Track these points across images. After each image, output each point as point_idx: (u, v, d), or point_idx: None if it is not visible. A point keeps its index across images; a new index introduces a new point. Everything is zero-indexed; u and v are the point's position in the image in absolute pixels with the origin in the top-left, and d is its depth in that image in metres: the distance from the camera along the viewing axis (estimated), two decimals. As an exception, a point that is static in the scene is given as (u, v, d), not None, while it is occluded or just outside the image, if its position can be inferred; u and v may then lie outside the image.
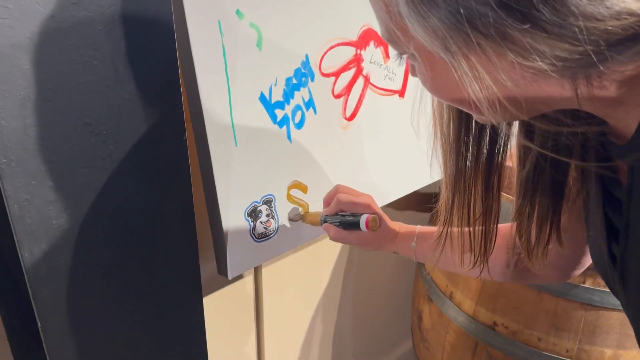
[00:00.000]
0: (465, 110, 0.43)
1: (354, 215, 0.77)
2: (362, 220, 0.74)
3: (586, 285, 0.99)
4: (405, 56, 0.43)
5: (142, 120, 0.61)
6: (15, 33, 0.49)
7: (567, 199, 0.55)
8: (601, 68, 0.33)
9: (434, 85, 0.41)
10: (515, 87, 0.36)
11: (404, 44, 0.40)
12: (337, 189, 0.81)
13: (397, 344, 1.75)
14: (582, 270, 0.67)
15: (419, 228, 0.79)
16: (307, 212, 0.93)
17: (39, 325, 0.62)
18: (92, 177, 0.59)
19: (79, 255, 0.61)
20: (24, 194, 0.54)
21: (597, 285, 0.99)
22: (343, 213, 0.79)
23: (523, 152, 0.52)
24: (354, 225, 0.76)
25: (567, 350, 1.03)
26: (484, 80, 0.36)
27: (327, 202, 0.83)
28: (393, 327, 1.69)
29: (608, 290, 0.99)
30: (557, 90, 0.36)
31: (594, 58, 0.32)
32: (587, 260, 0.65)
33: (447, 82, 0.39)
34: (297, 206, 0.92)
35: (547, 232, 0.56)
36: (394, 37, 0.40)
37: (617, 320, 0.99)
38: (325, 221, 0.82)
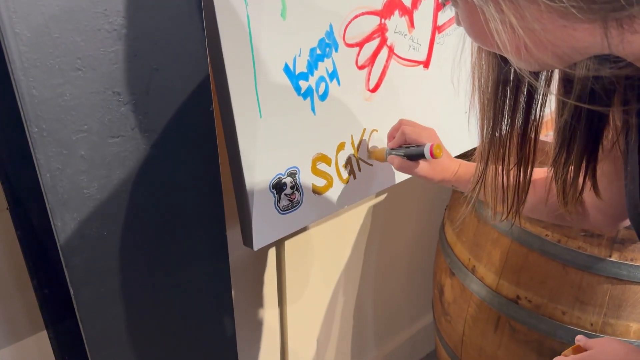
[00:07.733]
0: (505, 55, 0.43)
1: (418, 145, 0.80)
2: (427, 148, 0.77)
3: (613, 259, 0.98)
4: (450, 5, 0.43)
5: (170, 90, 0.61)
6: (45, 2, 0.49)
7: (605, 148, 0.55)
8: (629, 10, 0.32)
9: (473, 31, 0.42)
10: (543, 32, 0.36)
11: None
12: (401, 122, 0.85)
13: (417, 318, 1.76)
14: (623, 221, 0.68)
15: None
16: (374, 149, 0.95)
17: (72, 293, 0.63)
18: (122, 147, 0.59)
19: (110, 224, 0.62)
20: (55, 164, 0.55)
21: (624, 259, 0.97)
22: (407, 145, 0.82)
23: (562, 101, 0.52)
24: (418, 156, 0.79)
25: (592, 324, 1.02)
26: (511, 24, 0.36)
27: (391, 136, 0.87)
28: (414, 300, 1.70)
29: (635, 264, 0.98)
30: (587, 35, 0.36)
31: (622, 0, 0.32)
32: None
33: (483, 27, 0.39)
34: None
35: (581, 179, 0.56)
36: None
37: (644, 294, 0.98)
38: (389, 154, 0.85)
